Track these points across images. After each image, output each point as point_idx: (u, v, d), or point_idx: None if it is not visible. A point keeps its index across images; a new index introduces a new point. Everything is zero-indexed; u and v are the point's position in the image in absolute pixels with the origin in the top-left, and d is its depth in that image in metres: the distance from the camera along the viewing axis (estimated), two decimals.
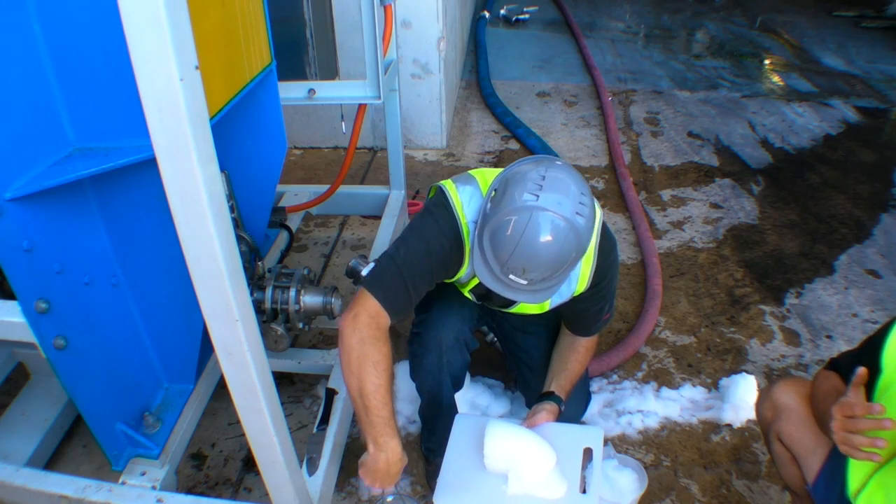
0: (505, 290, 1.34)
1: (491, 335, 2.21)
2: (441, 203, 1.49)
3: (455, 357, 1.70)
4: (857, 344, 1.39)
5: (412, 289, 1.45)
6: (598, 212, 1.51)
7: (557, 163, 1.35)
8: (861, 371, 1.16)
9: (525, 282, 1.29)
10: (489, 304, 1.75)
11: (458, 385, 1.79)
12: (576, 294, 1.56)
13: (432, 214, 1.50)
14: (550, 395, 1.63)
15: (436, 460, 1.87)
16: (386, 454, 1.36)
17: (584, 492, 1.45)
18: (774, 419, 1.46)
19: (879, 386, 1.23)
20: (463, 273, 1.56)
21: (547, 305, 1.62)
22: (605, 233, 1.54)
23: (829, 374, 1.38)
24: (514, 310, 1.68)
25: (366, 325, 1.37)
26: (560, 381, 1.67)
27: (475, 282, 1.61)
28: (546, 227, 1.23)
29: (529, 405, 1.83)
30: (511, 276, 1.29)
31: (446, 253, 1.48)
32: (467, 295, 1.68)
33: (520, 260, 1.26)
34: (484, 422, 1.55)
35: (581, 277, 1.53)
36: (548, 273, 1.28)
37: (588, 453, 1.51)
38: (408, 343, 1.79)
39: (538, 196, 1.23)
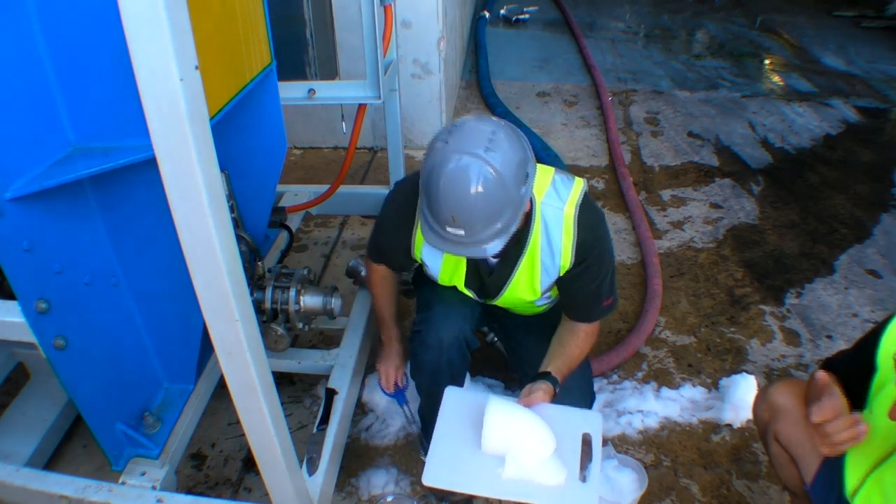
0: (450, 246, 1.36)
1: (491, 335, 2.21)
2: (411, 177, 1.61)
3: (455, 356, 1.70)
4: (853, 343, 1.39)
5: (387, 249, 1.74)
6: (580, 185, 1.55)
7: (492, 119, 1.38)
8: (820, 376, 1.18)
9: (462, 232, 1.31)
10: (484, 298, 1.74)
11: (458, 384, 1.79)
12: (562, 271, 1.56)
13: (399, 186, 1.69)
14: (546, 376, 1.60)
15: None
16: (389, 338, 1.89)
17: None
18: (772, 420, 1.46)
19: (874, 385, 1.24)
20: (420, 248, 1.63)
21: (538, 289, 1.61)
22: (587, 206, 1.54)
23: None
24: (507, 296, 1.67)
25: (369, 272, 1.88)
26: (557, 363, 1.64)
27: (462, 272, 1.65)
28: (453, 166, 1.27)
29: None
30: (448, 229, 1.32)
31: (399, 223, 1.64)
32: (465, 291, 1.69)
33: (445, 206, 1.29)
34: (477, 397, 1.49)
35: (563, 250, 1.53)
36: (477, 218, 1.29)
37: (588, 446, 1.47)
38: (409, 342, 1.79)
39: (447, 141, 1.30)
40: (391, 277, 1.83)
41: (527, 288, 1.63)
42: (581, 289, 1.62)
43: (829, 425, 1.12)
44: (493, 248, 1.35)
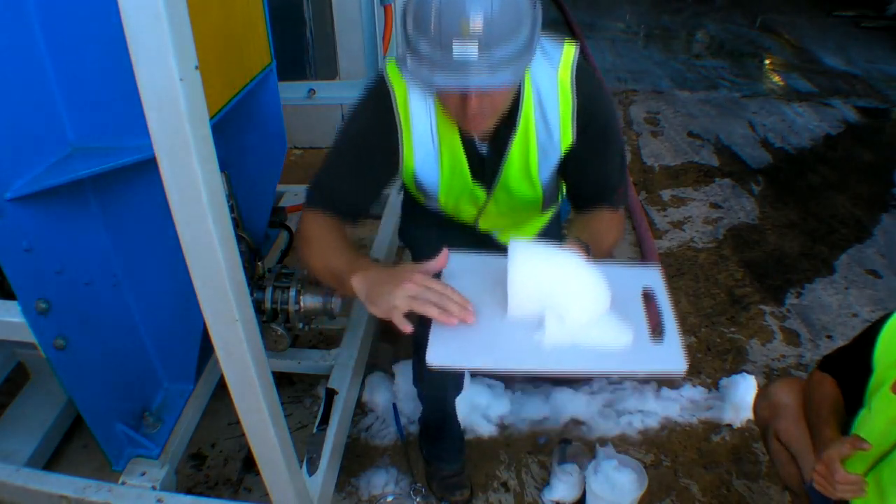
0: (457, 73, 1.05)
1: None
2: (373, 84, 1.35)
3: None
4: (850, 340, 1.40)
5: (353, 173, 1.34)
6: (571, 48, 1.30)
7: None
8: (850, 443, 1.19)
9: (474, 47, 1.02)
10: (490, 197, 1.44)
11: (459, 388, 1.77)
12: (563, 149, 1.31)
13: (362, 96, 1.37)
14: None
15: (437, 463, 1.87)
16: (370, 268, 1.15)
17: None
18: (772, 418, 1.46)
19: (871, 385, 1.24)
20: (411, 150, 1.32)
21: (536, 177, 1.35)
22: (584, 69, 1.30)
23: (823, 379, 1.38)
24: (501, 190, 1.39)
25: (306, 225, 1.32)
26: (581, 235, 1.27)
27: (463, 161, 1.34)
28: None
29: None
30: (455, 48, 1.03)
31: (380, 128, 1.31)
32: (474, 188, 1.39)
33: (455, 10, 1.01)
34: (489, 258, 1.14)
35: (562, 122, 1.29)
36: (495, 21, 1.02)
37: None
38: (413, 343, 1.76)
39: None
40: (341, 227, 1.31)
41: (522, 175, 1.35)
42: (589, 173, 1.36)
43: (839, 474, 1.15)
44: (511, 74, 1.07)
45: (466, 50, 1.03)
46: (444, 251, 1.10)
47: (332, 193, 1.33)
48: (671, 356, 0.96)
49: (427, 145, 1.33)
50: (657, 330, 1.03)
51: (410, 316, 1.05)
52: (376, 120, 1.31)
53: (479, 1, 1.00)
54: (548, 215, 1.65)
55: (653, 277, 1.13)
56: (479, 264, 1.09)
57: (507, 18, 1.03)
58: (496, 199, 1.43)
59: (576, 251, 1.12)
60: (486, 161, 1.36)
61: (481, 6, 1.00)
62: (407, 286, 1.03)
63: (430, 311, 1.02)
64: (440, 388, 1.68)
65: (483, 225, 1.54)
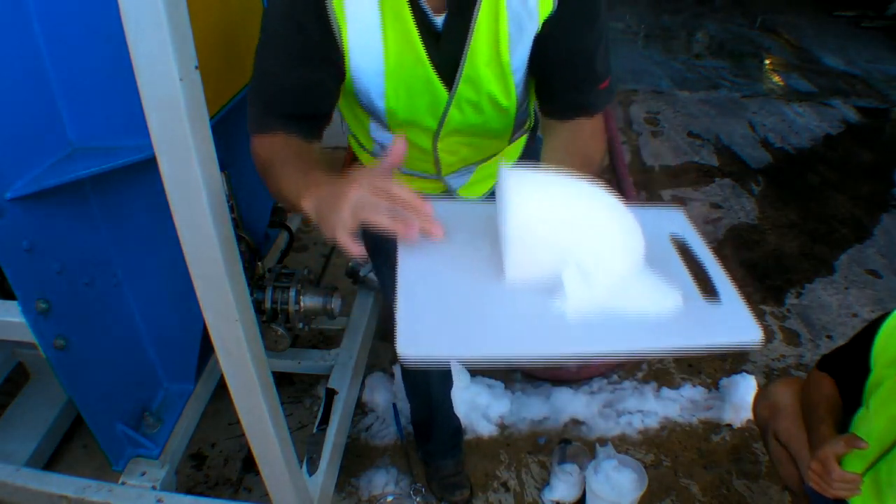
0: None
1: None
2: None
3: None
4: (847, 339, 1.40)
5: (288, 70, 1.09)
6: None
7: None
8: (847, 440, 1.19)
9: None
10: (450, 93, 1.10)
11: (447, 381, 1.77)
12: (541, 20, 1.02)
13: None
14: None
15: (434, 462, 1.87)
16: (321, 184, 0.87)
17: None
18: (772, 418, 1.47)
19: (870, 384, 1.25)
20: (342, 15, 1.01)
21: (507, 57, 1.05)
22: None
23: (821, 379, 1.39)
24: (466, 81, 1.07)
25: (260, 146, 1.12)
26: (567, 159, 1.00)
27: (414, 35, 1.02)
28: None
29: None
30: None
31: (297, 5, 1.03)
32: (429, 71, 1.06)
33: None
34: (463, 204, 0.90)
35: None
36: None
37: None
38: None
39: None
40: (292, 142, 1.09)
41: (491, 58, 1.04)
42: (570, 59, 1.07)
43: (835, 472, 1.15)
44: None
45: None
46: (400, 137, 0.82)
47: (272, 102, 1.07)
48: (739, 320, 0.69)
49: (364, 11, 1.01)
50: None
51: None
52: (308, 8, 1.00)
53: None
54: (518, 146, 1.35)
55: (678, 221, 0.86)
56: (453, 212, 0.78)
57: None
58: (460, 102, 1.10)
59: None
60: (442, 39, 1.03)
61: None
62: (350, 193, 0.76)
63: (380, 221, 0.74)
64: (422, 381, 1.66)
65: (443, 151, 1.21)
